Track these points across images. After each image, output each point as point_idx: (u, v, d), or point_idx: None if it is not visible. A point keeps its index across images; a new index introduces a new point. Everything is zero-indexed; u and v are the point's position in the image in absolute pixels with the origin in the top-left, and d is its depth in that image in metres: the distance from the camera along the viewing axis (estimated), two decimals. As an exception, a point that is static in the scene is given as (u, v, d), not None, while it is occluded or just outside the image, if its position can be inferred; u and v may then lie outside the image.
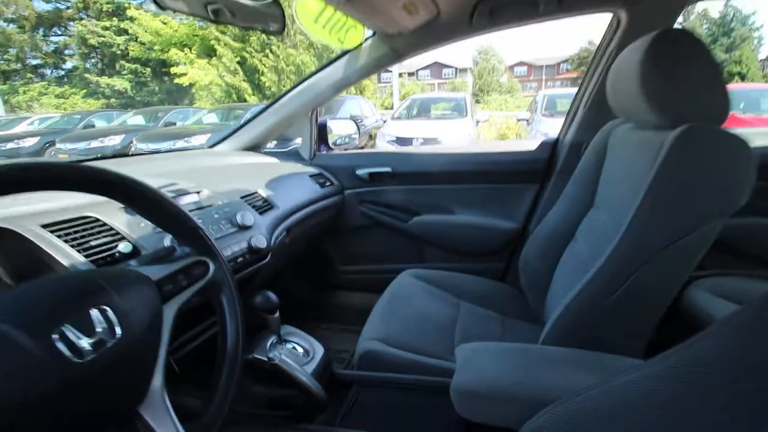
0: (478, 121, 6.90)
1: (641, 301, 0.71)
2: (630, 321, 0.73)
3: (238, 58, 11.57)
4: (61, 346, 0.34)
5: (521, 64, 32.15)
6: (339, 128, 1.63)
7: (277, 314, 0.84)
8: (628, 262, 0.70)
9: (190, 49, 13.43)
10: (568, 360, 0.66)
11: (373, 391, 0.86)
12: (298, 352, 0.87)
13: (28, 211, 0.59)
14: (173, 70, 13.33)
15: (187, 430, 0.43)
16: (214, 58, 12.26)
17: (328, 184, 1.44)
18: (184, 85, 13.06)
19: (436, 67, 29.86)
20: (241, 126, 1.48)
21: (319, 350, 0.91)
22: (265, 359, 0.81)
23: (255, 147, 1.50)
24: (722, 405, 0.29)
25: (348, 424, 0.76)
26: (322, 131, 1.54)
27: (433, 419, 0.76)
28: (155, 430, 0.41)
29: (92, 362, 0.36)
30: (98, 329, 0.37)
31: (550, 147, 1.35)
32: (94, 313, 0.37)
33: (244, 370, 0.85)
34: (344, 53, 1.31)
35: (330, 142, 1.56)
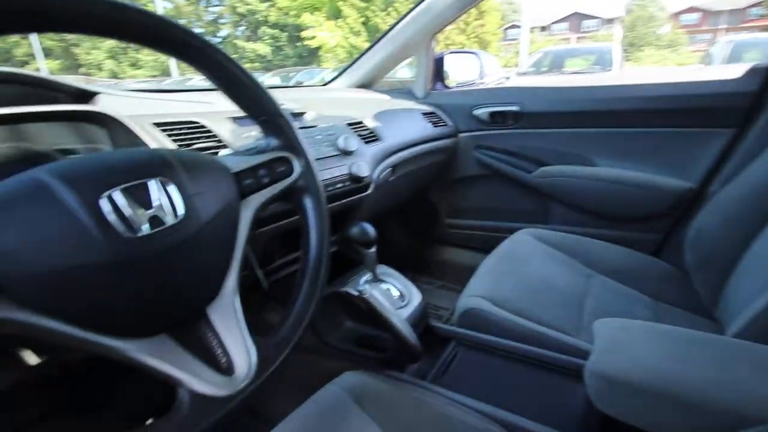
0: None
1: None
2: None
3: (363, 18, 11.72)
4: (109, 212, 0.29)
5: (692, 10, 25.71)
6: (458, 63, 1.43)
7: (373, 249, 0.75)
8: None
9: (320, 12, 14.08)
10: (759, 356, 0.43)
11: (474, 353, 0.73)
12: (392, 295, 0.79)
13: (143, 112, 0.61)
14: (304, 33, 14.21)
15: (255, 343, 0.37)
16: (340, 20, 12.65)
17: (441, 124, 1.28)
18: (312, 48, 13.88)
19: (575, 19, 25.81)
20: (353, 62, 1.40)
21: (417, 297, 0.81)
22: (356, 293, 0.74)
23: (366, 84, 1.41)
24: None
25: (442, 383, 0.66)
26: (439, 66, 1.36)
27: (553, 401, 0.60)
28: (220, 334, 0.35)
29: (147, 240, 0.30)
30: (155, 203, 0.31)
31: (763, 75, 0.95)
32: (153, 184, 0.31)
33: (334, 303, 0.82)
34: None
35: (446, 78, 1.38)
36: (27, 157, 0.53)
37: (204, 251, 0.34)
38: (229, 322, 0.36)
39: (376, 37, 1.34)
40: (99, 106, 0.57)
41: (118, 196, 0.30)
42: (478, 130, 1.31)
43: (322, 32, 13.28)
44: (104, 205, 0.29)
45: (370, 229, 0.73)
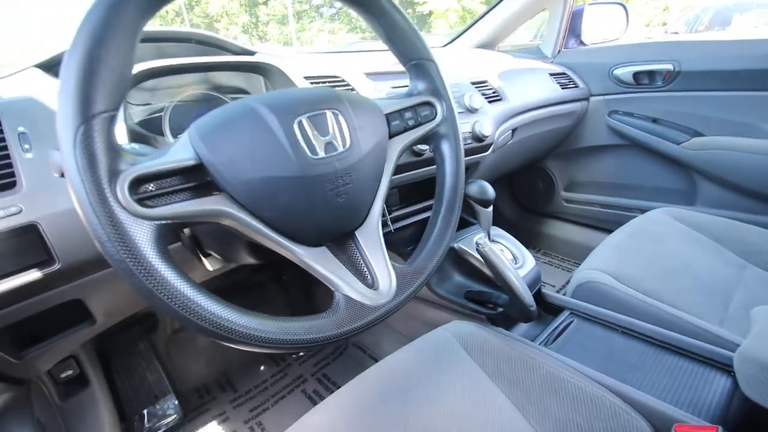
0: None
1: None
2: None
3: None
4: (299, 135, 0.35)
5: None
6: (598, 17, 1.27)
7: (490, 209, 0.75)
8: None
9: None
10: None
11: (589, 325, 0.70)
12: (506, 256, 0.78)
13: (295, 67, 0.69)
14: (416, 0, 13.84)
15: (394, 269, 0.42)
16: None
17: (571, 86, 1.17)
18: (424, 14, 13.50)
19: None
20: (474, 23, 1.34)
21: (531, 261, 0.79)
22: (472, 251, 0.75)
23: (488, 45, 1.34)
24: None
25: (552, 349, 0.64)
26: (576, 20, 1.23)
27: (680, 382, 0.55)
28: (367, 254, 0.41)
29: (322, 162, 0.36)
30: (330, 131, 0.36)
31: None
32: (330, 115, 0.37)
33: (448, 257, 0.85)
34: None
35: (583, 34, 1.24)
36: (209, 98, 0.65)
37: (360, 179, 0.39)
38: (374, 246, 0.41)
39: None
40: (264, 59, 0.66)
41: (306, 122, 0.35)
42: (616, 93, 1.17)
43: (434, -2, 12.78)
44: (296, 129, 0.35)
45: (489, 188, 0.72)
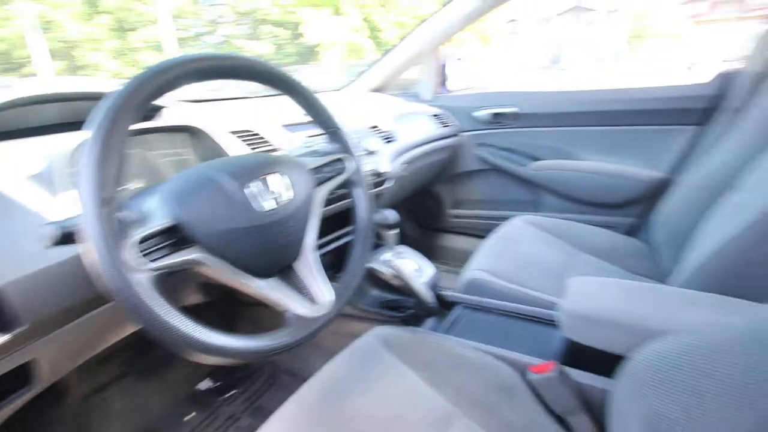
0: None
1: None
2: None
3: (363, 15, 11.81)
4: (251, 195, 0.46)
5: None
6: (456, 69, 1.60)
7: (395, 231, 0.93)
8: None
9: (319, 7, 14.11)
10: (691, 298, 0.61)
11: (476, 313, 0.91)
12: (411, 267, 0.96)
13: (216, 122, 0.78)
14: (303, 30, 14.24)
15: (329, 286, 0.55)
16: (339, 17, 12.72)
17: (446, 124, 1.46)
18: (311, 45, 13.92)
19: (575, 13, 25.74)
20: (367, 69, 1.57)
21: (430, 268, 0.98)
22: (382, 268, 0.92)
23: (380, 89, 1.58)
24: None
25: (452, 334, 0.83)
26: (443, 71, 1.54)
27: (533, 342, 0.78)
28: (307, 278, 0.53)
29: (270, 213, 0.47)
30: (274, 189, 0.49)
31: (724, 81, 1.11)
32: (272, 176, 0.49)
33: (364, 276, 1.00)
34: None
35: (447, 82, 1.55)
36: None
37: (298, 222, 0.52)
38: (312, 270, 0.54)
39: (375, 34, 1.52)
40: (191, 121, 0.75)
41: (256, 184, 0.47)
42: (479, 129, 1.49)
43: (321, 29, 13.32)
44: (249, 190, 0.47)
45: (392, 214, 0.90)
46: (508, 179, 1.48)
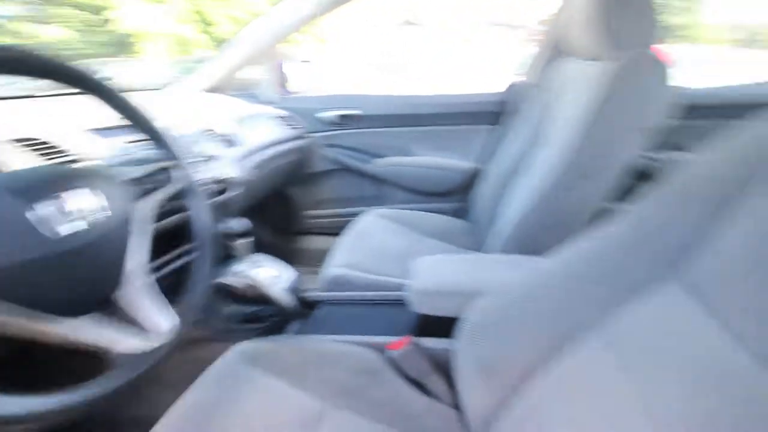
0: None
1: (573, 213, 0.82)
2: (563, 232, 0.84)
3: (193, 6, 10.61)
4: (38, 221, 0.37)
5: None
6: (295, 71, 1.61)
7: (247, 240, 0.88)
8: (565, 182, 0.80)
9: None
10: (499, 261, 0.77)
11: (340, 308, 0.94)
12: (267, 275, 0.93)
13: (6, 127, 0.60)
14: (116, 16, 12.01)
15: (167, 311, 0.49)
16: (162, 4, 11.16)
17: (293, 126, 1.45)
18: (126, 34, 11.83)
19: (408, 25, 28.67)
20: (198, 67, 1.43)
21: (289, 273, 0.97)
22: (235, 280, 0.86)
23: (216, 89, 1.46)
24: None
25: (319, 333, 0.84)
26: (282, 72, 1.52)
27: (392, 323, 0.86)
28: (129, 310, 0.46)
29: (67, 240, 0.39)
30: (73, 209, 0.40)
31: (508, 90, 1.42)
32: (71, 194, 0.40)
33: (213, 293, 0.92)
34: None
35: (287, 83, 1.55)
36: None
37: (112, 244, 0.44)
38: (140, 298, 0.47)
39: (208, 29, 1.42)
40: None
41: (45, 205, 0.38)
42: (326, 131, 1.53)
43: (140, 15, 11.45)
44: (32, 214, 0.36)
45: (241, 222, 0.86)
46: (357, 177, 1.57)
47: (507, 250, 0.93)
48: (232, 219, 0.85)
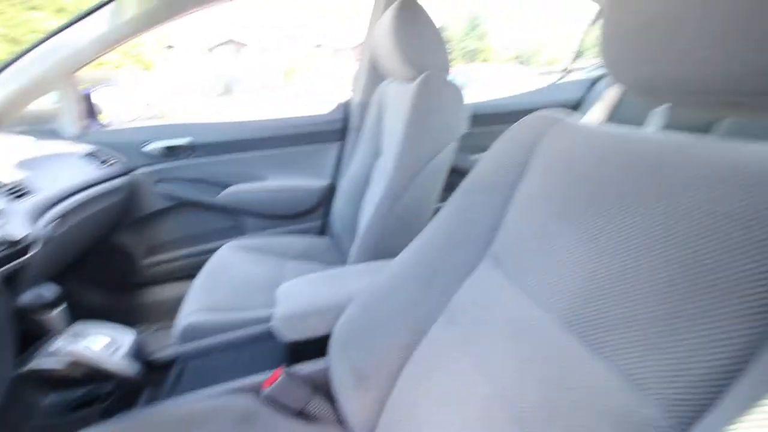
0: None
1: (413, 214, 0.92)
2: (408, 232, 0.93)
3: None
4: None
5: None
6: (111, 97, 1.39)
7: (59, 310, 0.71)
8: (399, 186, 0.89)
9: None
10: (359, 271, 0.82)
11: (200, 360, 0.84)
12: (98, 345, 0.76)
13: None
14: None
15: None
16: None
17: (111, 162, 1.24)
18: None
19: (231, 45, 27.58)
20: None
21: (128, 336, 0.81)
22: (50, 362, 0.69)
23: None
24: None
25: (179, 393, 0.73)
26: (89, 102, 1.29)
27: (264, 359, 0.81)
28: None
29: None
30: None
31: (344, 108, 1.50)
32: None
33: (24, 385, 0.71)
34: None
35: (101, 114, 1.32)
36: None
37: None
38: None
39: None
40: None
41: None
42: (155, 164, 1.35)
43: None
44: None
45: (47, 291, 0.69)
46: (203, 212, 1.43)
47: (366, 258, 0.98)
48: (35, 288, 0.67)
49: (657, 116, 0.43)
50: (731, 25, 0.28)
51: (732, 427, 0.21)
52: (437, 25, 0.92)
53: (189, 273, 1.43)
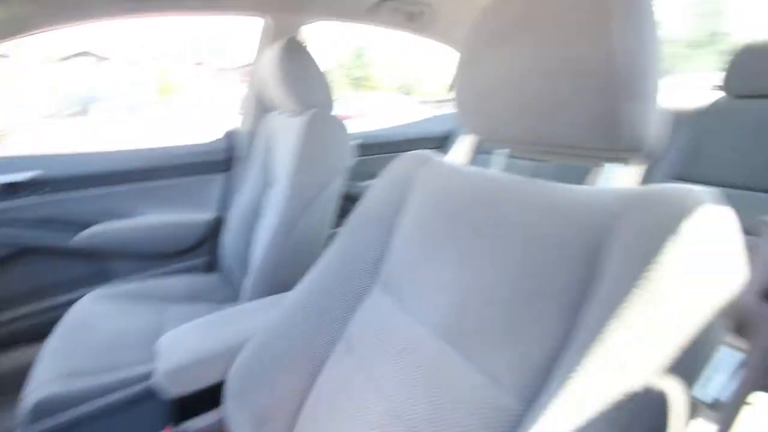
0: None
1: (308, 244, 0.93)
2: (304, 263, 0.94)
3: None
4: None
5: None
6: None
7: None
8: (293, 217, 0.90)
9: None
10: (253, 309, 0.80)
11: None
12: None
13: None
14: None
15: None
16: None
17: None
18: None
19: (86, 58, 23.96)
20: None
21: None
22: None
23: None
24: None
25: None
26: None
27: (146, 422, 0.71)
28: None
29: None
30: None
31: (228, 137, 1.45)
32: None
33: None
34: None
35: None
36: None
37: None
38: None
39: None
40: None
41: None
42: None
43: None
44: None
45: None
46: (56, 257, 1.21)
47: (262, 290, 0.95)
48: None
49: (500, 158, 0.53)
50: (542, 99, 0.39)
51: (555, 401, 0.28)
52: (321, 66, 0.98)
53: (38, 335, 1.18)
